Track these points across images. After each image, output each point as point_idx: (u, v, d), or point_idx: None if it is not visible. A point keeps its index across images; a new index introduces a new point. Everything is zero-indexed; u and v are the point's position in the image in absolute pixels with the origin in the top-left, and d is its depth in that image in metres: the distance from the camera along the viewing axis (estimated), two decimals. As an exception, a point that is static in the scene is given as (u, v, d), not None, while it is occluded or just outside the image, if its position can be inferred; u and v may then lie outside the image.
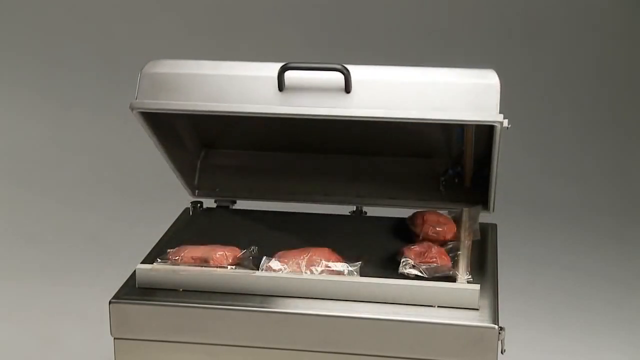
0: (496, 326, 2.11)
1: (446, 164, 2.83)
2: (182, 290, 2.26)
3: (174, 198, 3.20)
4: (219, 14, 5.82)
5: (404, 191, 2.82)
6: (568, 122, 5.86)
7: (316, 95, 2.33)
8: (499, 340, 2.13)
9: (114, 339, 2.25)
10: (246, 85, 2.36)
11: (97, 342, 3.54)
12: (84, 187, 5.42)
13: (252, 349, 2.21)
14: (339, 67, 2.30)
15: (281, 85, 2.33)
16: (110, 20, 5.87)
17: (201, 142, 2.91)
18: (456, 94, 2.29)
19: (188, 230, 2.67)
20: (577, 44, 5.90)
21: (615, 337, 3.87)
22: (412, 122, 2.32)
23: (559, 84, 5.91)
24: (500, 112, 2.24)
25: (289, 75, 2.33)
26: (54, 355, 3.68)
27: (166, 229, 2.72)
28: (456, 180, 2.82)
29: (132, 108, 2.39)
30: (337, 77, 2.31)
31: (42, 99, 5.83)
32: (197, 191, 2.89)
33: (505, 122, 2.24)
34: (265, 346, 2.20)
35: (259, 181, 2.90)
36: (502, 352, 2.17)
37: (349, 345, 2.17)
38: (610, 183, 5.55)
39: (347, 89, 2.31)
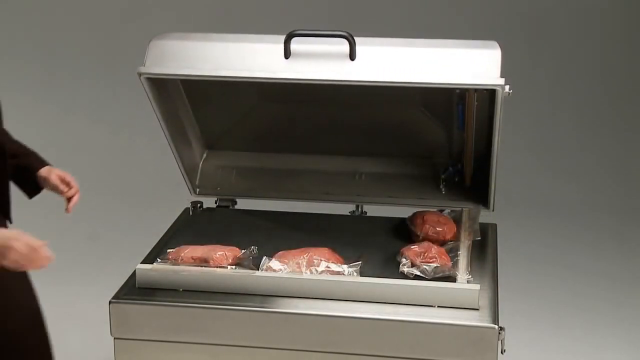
0: (496, 326, 2.11)
1: (446, 163, 2.83)
2: (182, 290, 2.26)
3: (174, 198, 3.20)
4: (219, 16, 5.82)
5: (404, 191, 2.82)
6: (568, 121, 5.86)
7: (321, 62, 2.35)
8: (499, 340, 2.13)
9: (114, 339, 2.25)
10: (253, 54, 2.39)
11: (97, 342, 3.54)
12: (84, 187, 5.40)
13: (252, 349, 2.21)
14: (344, 34, 2.33)
15: (287, 53, 2.35)
16: (110, 21, 5.86)
17: (205, 143, 2.92)
18: (458, 62, 2.32)
19: (188, 230, 2.67)
20: (578, 42, 5.89)
21: (616, 336, 3.87)
22: (414, 97, 2.34)
23: (560, 83, 5.91)
24: (502, 83, 2.27)
25: (295, 44, 2.35)
26: (54, 355, 3.67)
27: (166, 229, 2.71)
28: (456, 179, 2.82)
29: (139, 74, 2.41)
30: (343, 46, 2.34)
31: (41, 100, 5.82)
32: (197, 190, 2.89)
33: (507, 88, 2.26)
34: (265, 346, 2.20)
35: (259, 181, 2.90)
36: (502, 352, 2.17)
37: (349, 345, 2.17)
38: (610, 182, 5.55)
39: (352, 56, 2.34)
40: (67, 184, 2.42)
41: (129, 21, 5.83)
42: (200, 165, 2.91)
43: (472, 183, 2.79)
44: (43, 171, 2.42)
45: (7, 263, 1.99)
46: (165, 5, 5.84)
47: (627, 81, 5.88)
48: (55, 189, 2.40)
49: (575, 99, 5.89)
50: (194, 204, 2.87)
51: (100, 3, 5.88)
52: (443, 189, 2.80)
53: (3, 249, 1.98)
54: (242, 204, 2.94)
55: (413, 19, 5.72)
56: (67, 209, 2.39)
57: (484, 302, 2.21)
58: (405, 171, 2.86)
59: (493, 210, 2.70)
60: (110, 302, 2.24)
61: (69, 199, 2.41)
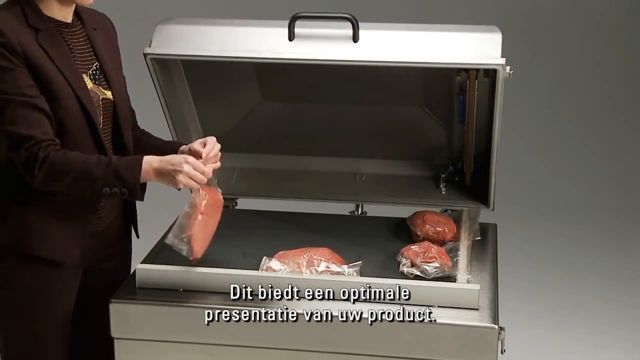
0: (496, 326, 2.11)
1: (446, 163, 2.83)
2: (182, 290, 2.26)
3: (174, 198, 3.20)
4: (223, 2, 5.82)
5: (404, 191, 2.82)
6: (568, 121, 5.86)
7: (325, 44, 2.38)
8: (499, 340, 2.13)
9: (114, 339, 2.25)
10: (257, 37, 2.42)
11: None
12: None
13: (252, 349, 2.21)
14: (348, 16, 2.36)
15: (291, 35, 2.38)
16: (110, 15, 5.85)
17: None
18: (460, 44, 2.35)
19: (188, 230, 2.67)
20: (578, 42, 5.90)
21: (616, 336, 3.87)
22: (417, 75, 2.44)
23: (560, 83, 5.91)
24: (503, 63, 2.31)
25: (299, 27, 2.38)
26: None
27: (166, 229, 2.71)
28: (456, 179, 2.82)
29: (145, 54, 2.43)
30: (346, 30, 2.36)
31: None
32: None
33: (508, 69, 2.28)
34: (265, 346, 2.20)
35: (260, 182, 2.90)
36: (502, 352, 2.17)
37: (349, 345, 2.17)
38: (610, 182, 5.56)
39: (355, 38, 2.36)
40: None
41: (130, 16, 5.82)
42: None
43: (472, 183, 2.79)
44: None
45: (179, 185, 2.15)
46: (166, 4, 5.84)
47: (627, 80, 5.88)
48: (195, 155, 2.26)
49: (575, 98, 5.89)
50: (194, 203, 2.86)
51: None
52: (443, 189, 2.80)
53: (173, 173, 2.12)
54: (243, 203, 2.94)
55: (413, 14, 5.73)
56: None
57: (484, 302, 2.21)
58: (405, 171, 2.86)
59: (493, 209, 2.70)
60: (110, 302, 2.23)
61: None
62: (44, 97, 2.09)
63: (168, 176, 2.13)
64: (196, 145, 2.26)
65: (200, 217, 2.25)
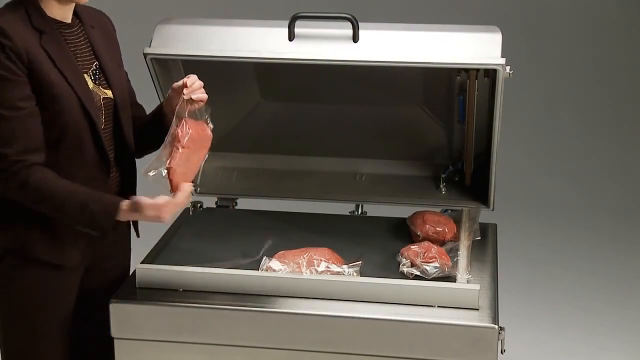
0: (496, 326, 2.11)
1: (446, 163, 2.83)
2: (182, 290, 2.26)
3: (174, 198, 3.19)
4: (222, 2, 5.82)
5: (404, 191, 2.82)
6: (568, 121, 5.86)
7: (325, 44, 2.39)
8: (499, 340, 2.13)
9: (114, 339, 2.25)
10: (257, 37, 2.42)
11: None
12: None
13: (252, 349, 2.21)
14: (348, 16, 2.37)
15: (291, 35, 2.39)
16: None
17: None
18: (460, 44, 2.36)
19: (188, 230, 2.67)
20: (578, 42, 5.89)
21: (616, 337, 3.87)
22: (418, 75, 2.45)
23: (560, 83, 5.91)
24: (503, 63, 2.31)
25: (299, 27, 2.38)
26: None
27: (166, 229, 2.71)
28: (456, 179, 2.82)
29: (145, 54, 2.43)
30: (346, 30, 2.37)
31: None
32: (198, 189, 2.89)
33: (508, 69, 2.29)
34: (265, 346, 2.20)
35: (260, 181, 2.90)
36: (502, 352, 2.17)
37: (349, 345, 2.17)
38: (610, 182, 5.55)
39: (355, 38, 2.37)
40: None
41: (130, 16, 5.82)
42: (201, 166, 2.91)
43: (472, 183, 2.79)
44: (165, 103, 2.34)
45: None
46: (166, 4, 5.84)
47: (627, 80, 5.88)
48: (178, 91, 2.26)
49: (575, 98, 5.89)
50: (194, 203, 2.86)
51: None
52: (443, 189, 2.80)
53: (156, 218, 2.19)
54: (243, 203, 2.94)
55: (413, 14, 5.73)
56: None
57: (484, 302, 2.21)
58: (405, 171, 2.86)
59: (493, 209, 2.70)
60: (110, 302, 2.23)
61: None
62: (37, 108, 2.08)
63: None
64: (179, 82, 2.25)
65: (181, 150, 2.23)
